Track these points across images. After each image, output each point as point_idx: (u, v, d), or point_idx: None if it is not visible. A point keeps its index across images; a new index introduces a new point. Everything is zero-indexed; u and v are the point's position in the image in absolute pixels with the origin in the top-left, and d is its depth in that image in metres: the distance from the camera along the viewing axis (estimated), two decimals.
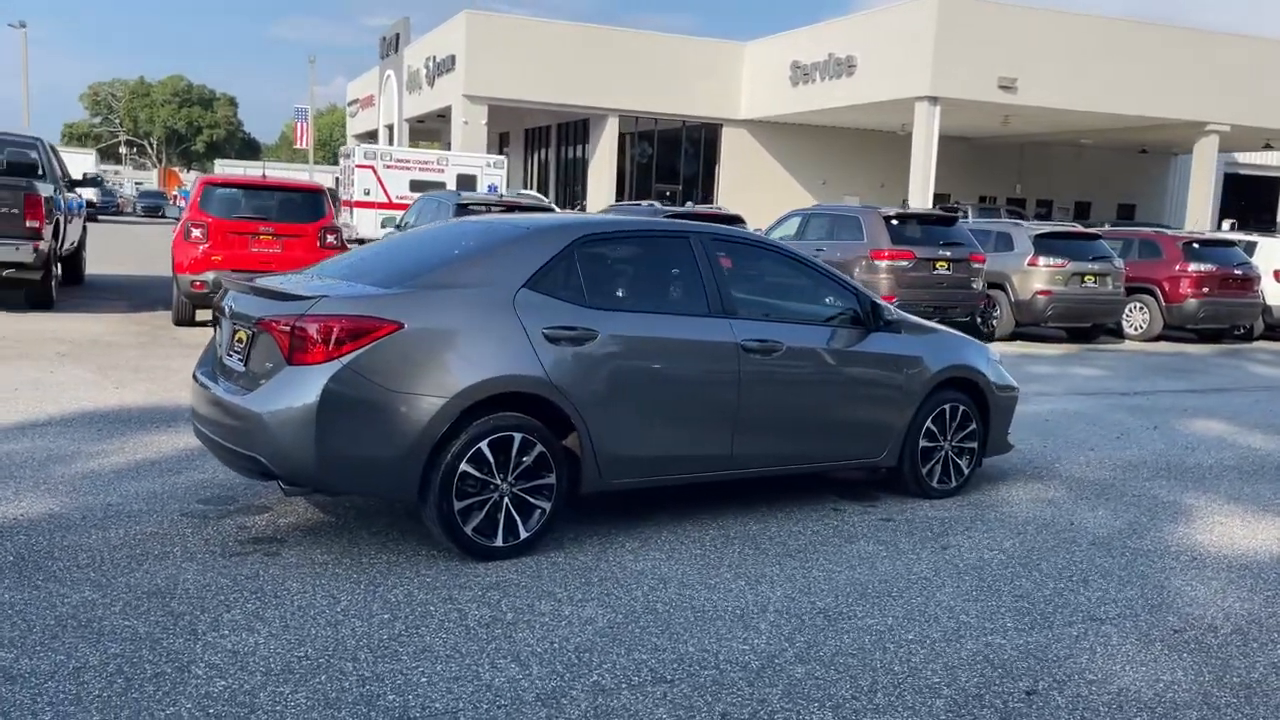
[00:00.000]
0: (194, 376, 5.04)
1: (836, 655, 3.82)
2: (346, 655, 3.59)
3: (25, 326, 11.05)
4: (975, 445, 6.21)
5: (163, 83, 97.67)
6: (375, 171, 27.45)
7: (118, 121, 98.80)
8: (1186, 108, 31.20)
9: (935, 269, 13.94)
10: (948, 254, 14.04)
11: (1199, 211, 32.44)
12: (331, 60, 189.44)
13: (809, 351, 5.51)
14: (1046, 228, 16.06)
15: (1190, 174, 33.78)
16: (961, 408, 6.12)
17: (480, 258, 4.84)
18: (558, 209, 29.01)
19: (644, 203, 20.82)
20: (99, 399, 7.61)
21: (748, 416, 5.26)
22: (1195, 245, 16.54)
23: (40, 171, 13.56)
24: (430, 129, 45.99)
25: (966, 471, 6.22)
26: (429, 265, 4.83)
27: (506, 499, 4.60)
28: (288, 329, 4.35)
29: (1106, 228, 20.81)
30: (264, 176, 14.85)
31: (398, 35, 44.38)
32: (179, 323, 11.90)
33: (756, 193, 35.34)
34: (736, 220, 15.04)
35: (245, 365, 4.62)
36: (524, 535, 4.66)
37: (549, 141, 43.63)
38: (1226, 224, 30.68)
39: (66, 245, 14.17)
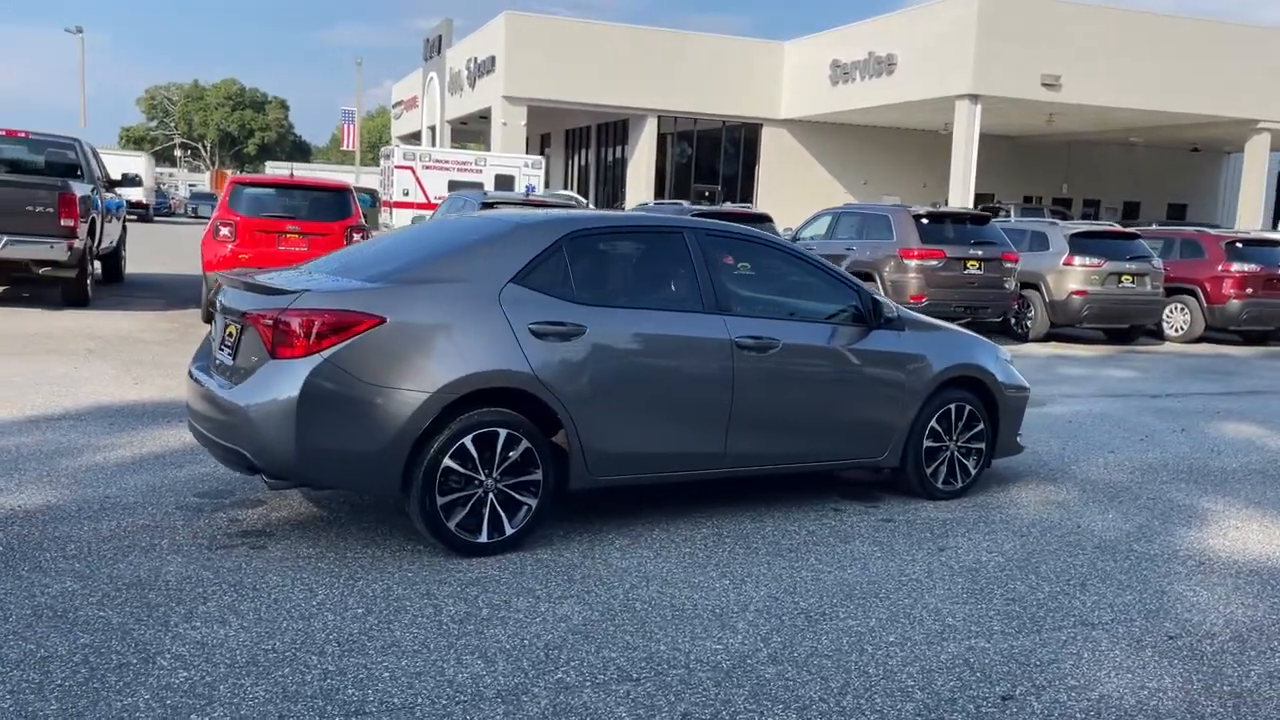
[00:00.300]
0: (189, 373, 5.08)
1: (811, 656, 3.75)
2: (314, 649, 3.59)
3: (59, 323, 11.26)
4: (983, 446, 6.09)
5: (216, 86, 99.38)
6: (414, 172, 27.70)
7: (173, 125, 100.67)
8: (1237, 105, 30.47)
9: (966, 268, 13.73)
10: (979, 253, 13.82)
11: (1250, 211, 31.66)
12: (381, 63, 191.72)
13: (807, 349, 5.43)
14: (1083, 227, 15.75)
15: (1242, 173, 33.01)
16: (968, 407, 5.99)
17: (467, 253, 4.83)
18: (593, 209, 29.07)
19: (671, 202, 20.76)
20: (116, 394, 7.72)
21: (742, 414, 5.19)
22: (1238, 245, 16.13)
23: (78, 172, 13.85)
24: (473, 130, 46.31)
25: (974, 472, 6.09)
26: (416, 261, 4.83)
27: (492, 495, 4.58)
28: (271, 322, 4.37)
29: (1154, 227, 20.39)
30: (291, 176, 14.99)
31: (440, 37, 44.69)
32: (208, 320, 12.02)
33: (796, 193, 35.13)
34: (765, 220, 14.96)
35: (234, 359, 4.65)
36: (510, 532, 4.63)
37: (589, 142, 43.71)
38: None
39: (104, 244, 14.43)
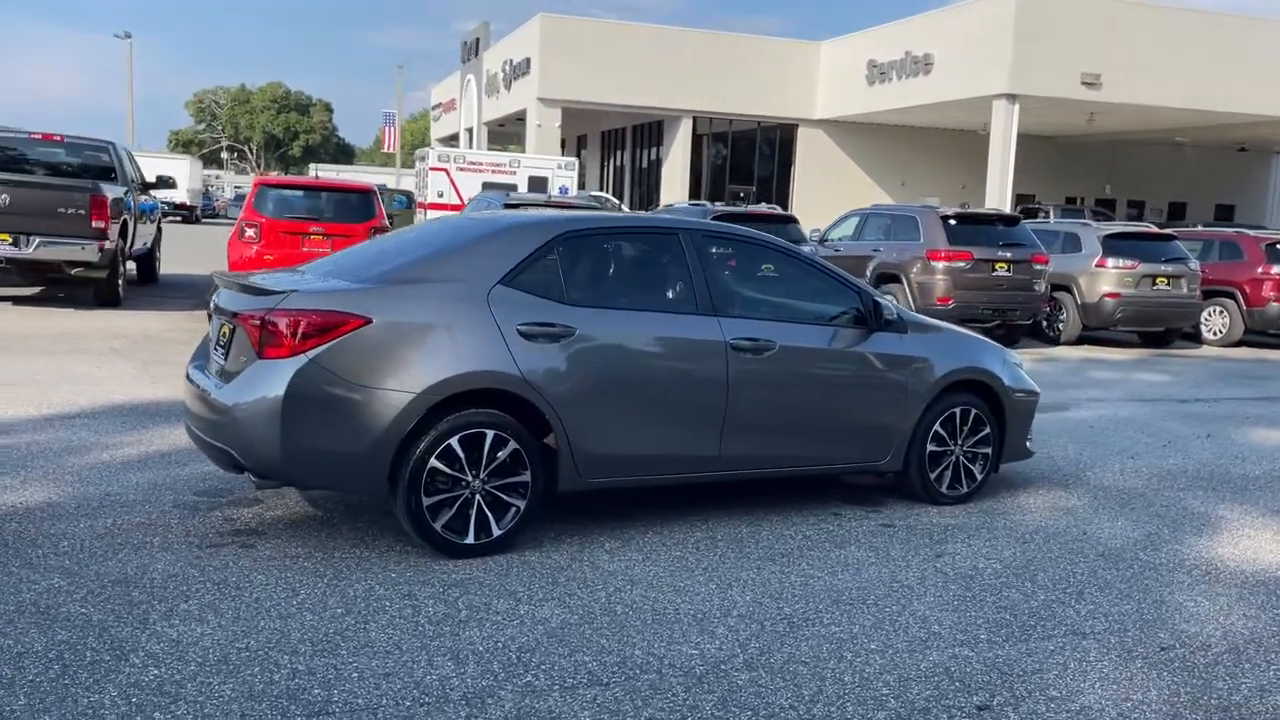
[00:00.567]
0: (186, 373, 5.13)
1: (788, 663, 3.70)
2: (287, 649, 3.60)
3: (88, 323, 11.45)
4: (989, 451, 5.99)
5: (262, 90, 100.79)
6: (449, 174, 27.86)
7: (220, 128, 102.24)
8: None
9: (994, 270, 13.53)
10: (1008, 255, 13.61)
11: None
12: (424, 66, 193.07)
13: (804, 351, 5.37)
14: (1116, 228, 15.47)
15: None
16: (974, 411, 5.90)
17: (455, 253, 4.83)
18: (626, 210, 29.08)
19: (695, 204, 20.72)
20: (132, 392, 7.83)
21: (737, 417, 5.14)
22: (1279, 246, 15.76)
23: (112, 174, 14.09)
24: (509, 132, 46.50)
25: (980, 477, 5.99)
26: (409, 261, 4.84)
27: (479, 496, 4.57)
28: (258, 323, 4.39)
29: (1199, 228, 19.98)
30: (316, 177, 15.13)
31: (478, 40, 44.96)
32: None
33: (833, 194, 34.80)
34: (791, 221, 14.90)
35: (225, 359, 4.68)
36: (497, 533, 4.62)
37: (624, 144, 43.71)
38: None
39: (138, 246, 14.67)
